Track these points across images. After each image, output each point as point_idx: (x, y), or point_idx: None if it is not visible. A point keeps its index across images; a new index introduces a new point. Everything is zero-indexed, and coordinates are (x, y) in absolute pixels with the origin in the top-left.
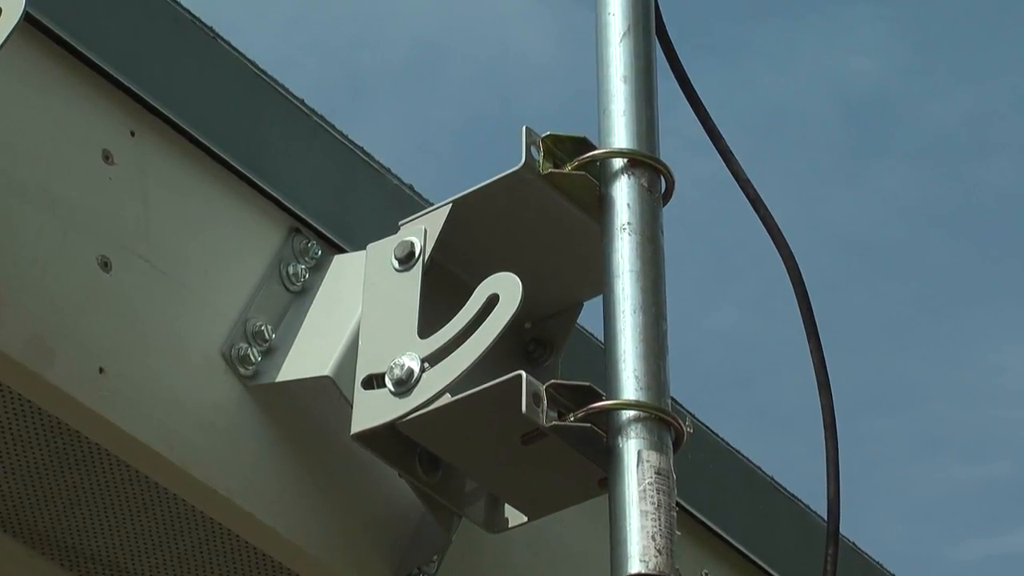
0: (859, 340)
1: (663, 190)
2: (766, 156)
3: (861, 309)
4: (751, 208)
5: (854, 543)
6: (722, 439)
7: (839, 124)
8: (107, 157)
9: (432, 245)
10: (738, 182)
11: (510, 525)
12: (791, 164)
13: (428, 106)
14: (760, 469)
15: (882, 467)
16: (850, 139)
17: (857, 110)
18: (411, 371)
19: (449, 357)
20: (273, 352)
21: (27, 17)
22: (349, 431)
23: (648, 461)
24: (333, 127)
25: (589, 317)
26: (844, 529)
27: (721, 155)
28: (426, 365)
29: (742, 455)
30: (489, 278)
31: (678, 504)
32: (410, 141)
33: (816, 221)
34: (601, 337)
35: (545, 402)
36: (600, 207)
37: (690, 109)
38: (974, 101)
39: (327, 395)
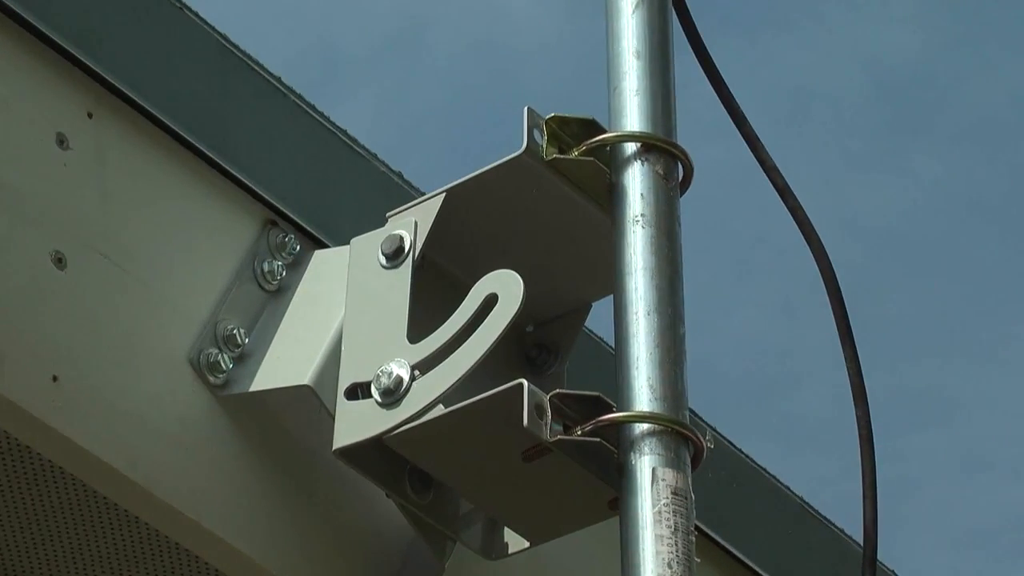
0: (897, 346)
1: (680, 178)
2: (791, 140)
3: (899, 311)
4: (778, 198)
5: (893, 571)
6: (746, 455)
7: (873, 104)
8: (62, 141)
9: (423, 239)
10: (764, 170)
11: (510, 551)
12: (819, 149)
13: (416, 84)
14: (788, 489)
15: (924, 488)
16: (885, 120)
17: (893, 88)
18: (400, 380)
19: (442, 364)
20: (246, 359)
21: None
22: (331, 446)
23: (664, 480)
24: (313, 108)
25: (598, 319)
26: (882, 556)
27: (746, 140)
28: (416, 373)
29: (768, 473)
30: (487, 276)
31: (697, 527)
32: (398, 123)
33: (848, 212)
34: (611, 342)
35: (549, 414)
36: (610, 197)
37: (710, 88)
38: None
39: (307, 406)
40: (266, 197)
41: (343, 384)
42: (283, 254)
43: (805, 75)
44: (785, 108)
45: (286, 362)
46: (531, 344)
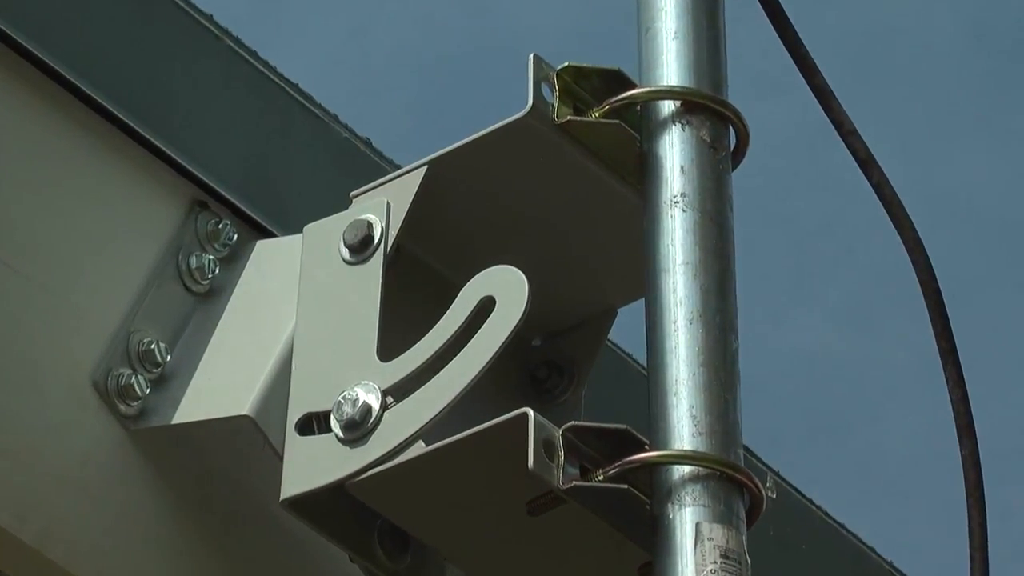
0: (1012, 367)
1: (732, 147)
2: (869, 99)
3: (1011, 320)
4: (859, 172)
5: None
6: (816, 507)
7: (971, 55)
8: None
9: (398, 226)
10: (841, 134)
11: None
12: (904, 111)
13: (384, 26)
14: (872, 550)
15: None
16: (987, 76)
17: (996, 35)
18: (367, 409)
19: (423, 389)
20: (168, 381)
21: None
22: (278, 495)
23: (711, 538)
24: (256, 55)
25: (626, 330)
26: None
27: (817, 95)
28: (390, 400)
29: (847, 530)
30: (481, 274)
31: None
32: (363, 77)
33: (941, 192)
34: (643, 359)
35: (562, 453)
36: (641, 170)
37: (771, 30)
38: None
39: (246, 444)
40: (193, 171)
41: (294, 415)
42: (215, 245)
43: (887, 18)
44: (861, 58)
45: (219, 386)
46: (539, 362)
